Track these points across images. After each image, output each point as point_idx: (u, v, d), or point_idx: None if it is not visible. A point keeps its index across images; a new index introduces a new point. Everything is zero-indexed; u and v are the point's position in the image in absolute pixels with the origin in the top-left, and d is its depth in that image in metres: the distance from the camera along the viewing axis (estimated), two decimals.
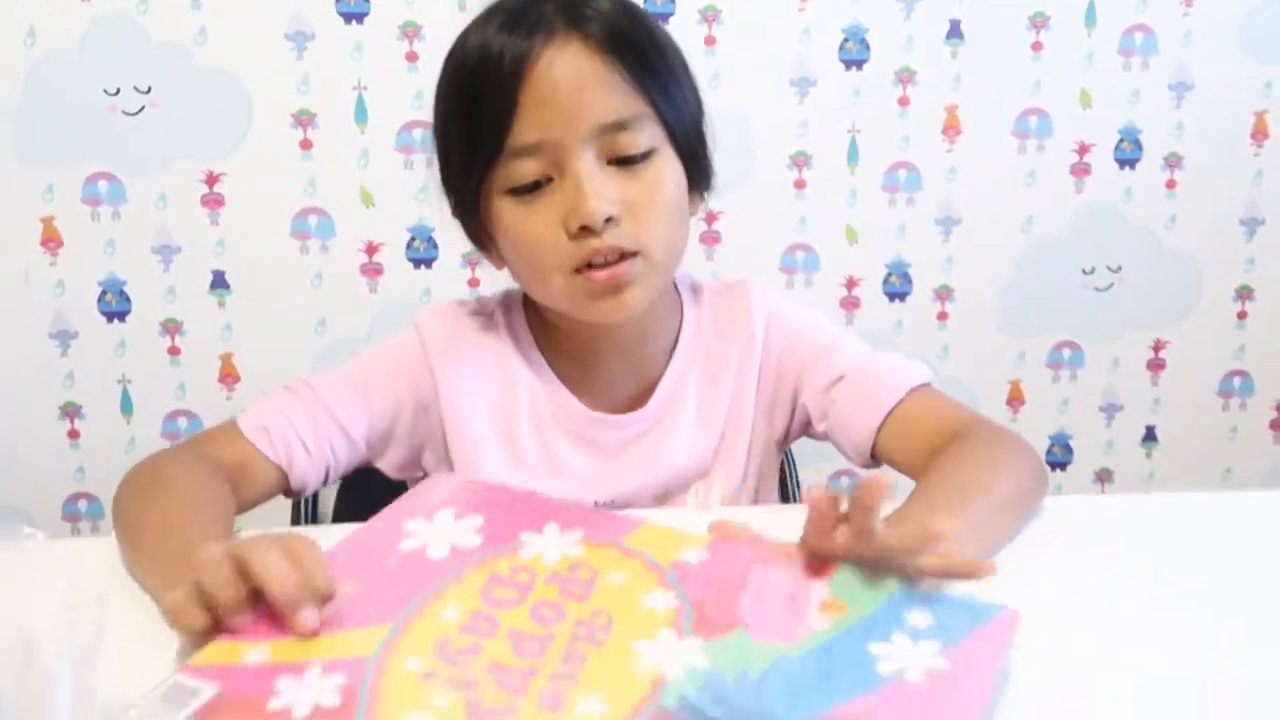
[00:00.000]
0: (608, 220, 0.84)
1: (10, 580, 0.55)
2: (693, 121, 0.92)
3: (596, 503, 0.94)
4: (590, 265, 0.86)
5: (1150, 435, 1.91)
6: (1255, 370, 1.90)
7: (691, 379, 0.98)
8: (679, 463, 0.96)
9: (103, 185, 1.65)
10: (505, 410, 0.96)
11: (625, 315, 0.89)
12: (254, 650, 0.60)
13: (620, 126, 0.85)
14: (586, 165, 0.84)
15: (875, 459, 0.94)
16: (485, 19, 0.88)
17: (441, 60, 0.91)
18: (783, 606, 0.64)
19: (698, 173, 0.93)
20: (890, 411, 0.91)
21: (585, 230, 0.84)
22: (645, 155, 0.86)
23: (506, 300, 1.01)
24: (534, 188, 0.86)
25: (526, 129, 0.83)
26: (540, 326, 0.98)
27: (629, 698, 0.56)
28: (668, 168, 0.88)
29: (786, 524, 0.70)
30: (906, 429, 0.91)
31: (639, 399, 0.97)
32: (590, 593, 0.65)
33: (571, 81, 0.83)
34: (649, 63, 0.87)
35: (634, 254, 0.86)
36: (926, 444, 0.88)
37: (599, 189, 0.84)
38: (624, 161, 0.86)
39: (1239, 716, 0.63)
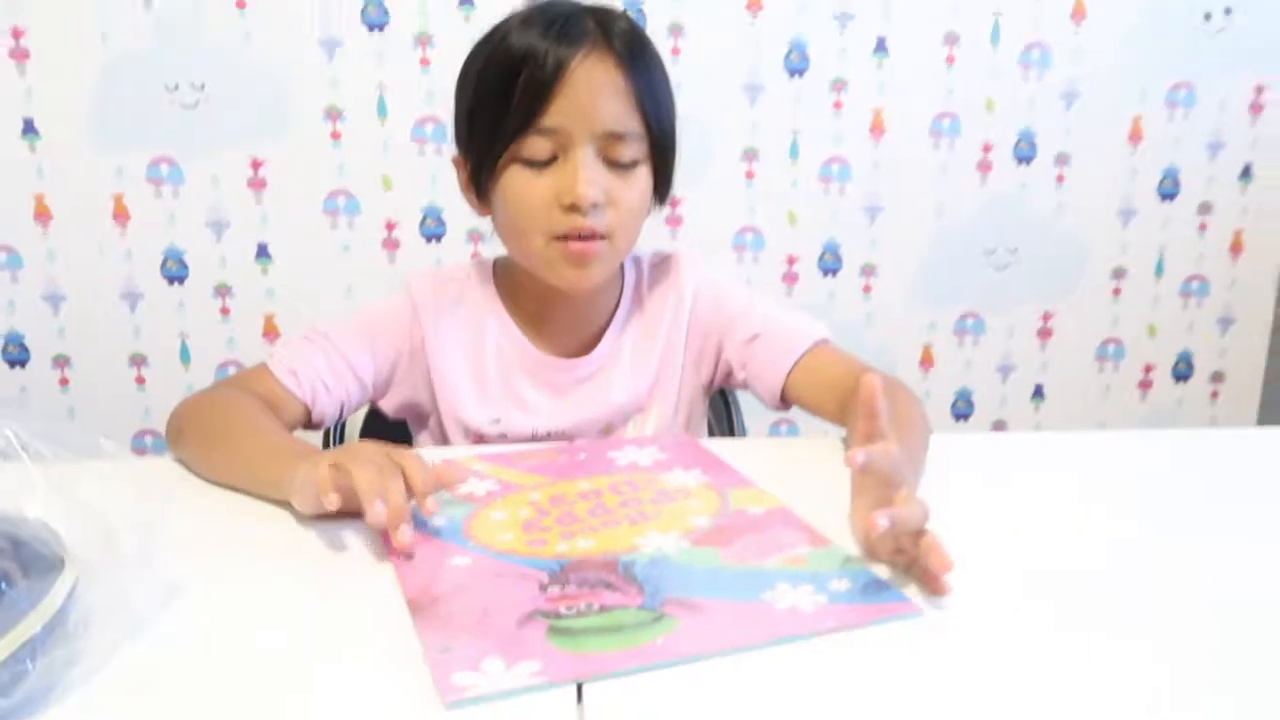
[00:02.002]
0: (593, 205, 0.85)
1: (93, 482, 0.57)
2: (670, 142, 0.92)
3: (550, 434, 0.95)
4: (567, 237, 0.86)
5: (1038, 392, 1.88)
6: (1127, 338, 1.88)
7: (630, 333, 0.98)
8: (618, 401, 0.97)
9: (164, 168, 1.60)
10: (476, 356, 0.96)
11: (584, 286, 0.91)
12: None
13: (619, 137, 0.86)
14: (587, 157, 0.85)
15: (784, 401, 0.95)
16: (525, 22, 0.87)
17: (451, 64, 0.93)
18: (762, 547, 0.66)
19: (662, 187, 0.93)
20: (797, 361, 0.93)
21: (573, 207, 0.85)
22: (631, 164, 0.88)
23: (480, 266, 1.01)
24: (542, 164, 0.86)
25: (552, 116, 0.84)
26: (506, 287, 0.98)
27: (608, 549, 0.66)
28: (644, 177, 0.90)
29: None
30: (811, 377, 0.92)
31: (585, 347, 0.97)
32: (668, 501, 0.74)
33: (597, 88, 0.85)
34: (651, 86, 0.88)
35: (604, 238, 0.87)
36: (829, 388, 0.90)
37: (592, 177, 0.85)
38: (614, 164, 0.87)
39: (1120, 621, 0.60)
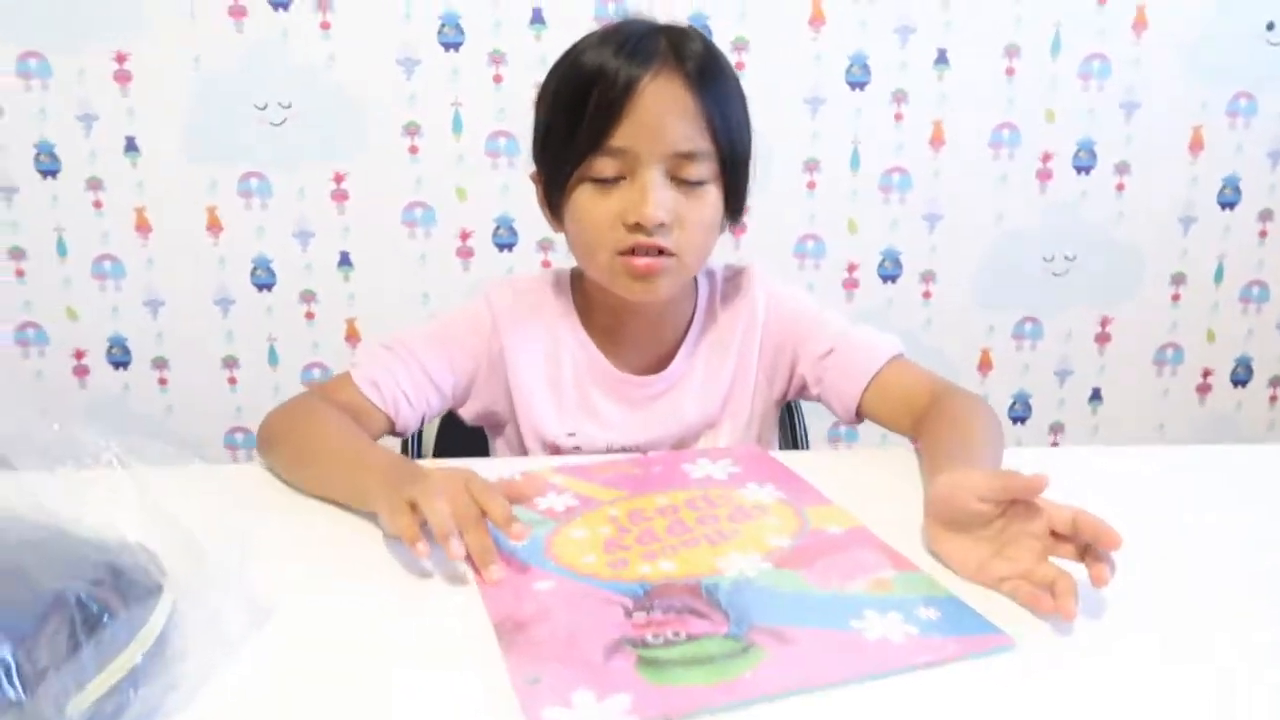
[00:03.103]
0: (659, 225, 0.81)
1: (186, 493, 0.55)
2: (743, 160, 0.87)
3: (624, 447, 0.91)
4: (633, 252, 0.83)
5: (1096, 395, 1.80)
6: (1185, 343, 1.79)
7: (702, 349, 0.94)
8: (691, 417, 0.93)
9: (254, 182, 1.60)
10: (553, 368, 0.93)
11: (651, 300, 0.87)
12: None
13: (689, 157, 0.82)
14: (655, 177, 0.81)
15: (859, 417, 0.92)
16: (601, 41, 0.83)
17: (523, 80, 0.91)
18: (846, 569, 0.62)
19: (734, 203, 0.88)
20: (872, 378, 0.89)
21: (638, 226, 0.81)
22: (699, 183, 0.83)
23: (557, 279, 0.97)
24: (610, 182, 0.82)
25: (621, 136, 0.81)
26: (582, 302, 0.94)
27: (691, 571, 0.62)
28: (713, 196, 0.85)
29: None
30: (886, 393, 0.89)
31: (660, 363, 0.94)
32: (746, 519, 0.70)
33: (666, 109, 0.80)
34: (723, 107, 0.83)
35: (671, 254, 0.83)
36: (905, 405, 0.87)
37: (659, 199, 0.81)
38: (682, 183, 0.82)
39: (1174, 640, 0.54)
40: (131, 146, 1.58)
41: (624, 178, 0.82)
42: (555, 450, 0.92)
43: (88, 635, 0.43)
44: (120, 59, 1.53)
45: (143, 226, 1.62)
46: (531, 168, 0.91)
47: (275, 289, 1.66)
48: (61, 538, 0.46)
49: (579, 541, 0.67)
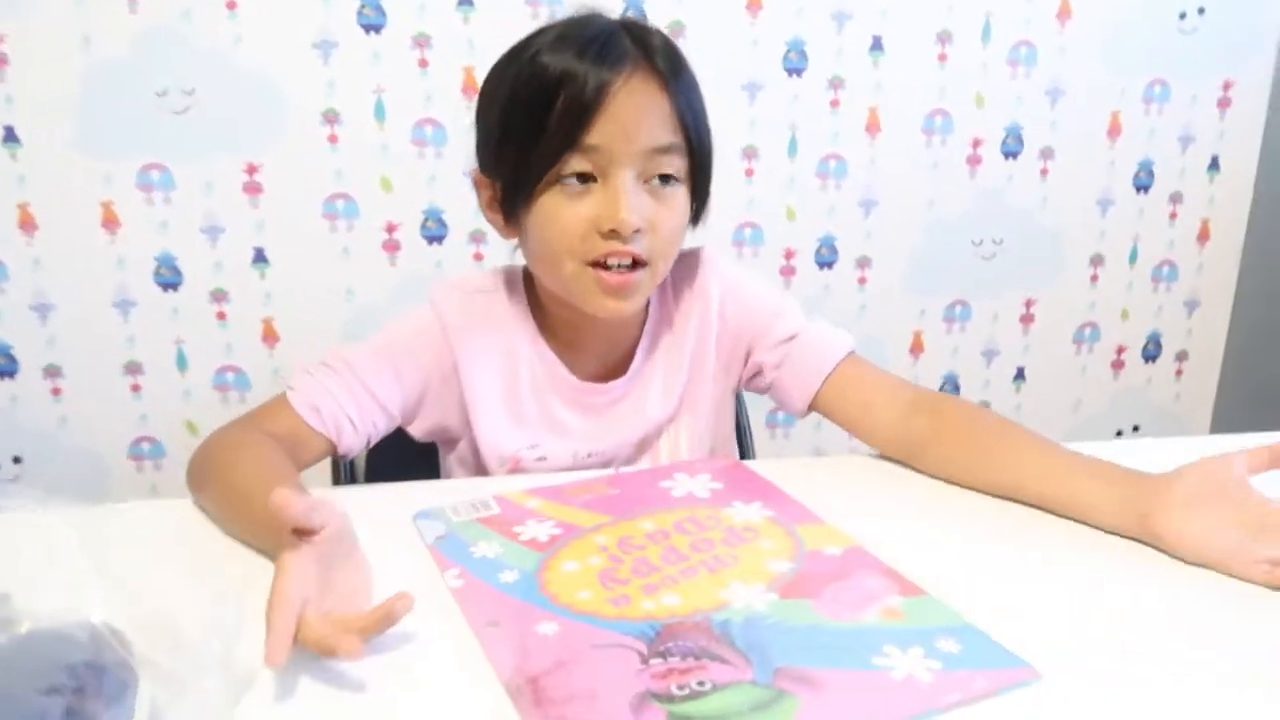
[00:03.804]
0: (635, 231, 0.78)
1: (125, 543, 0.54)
2: (709, 158, 0.85)
3: (589, 455, 0.90)
4: (602, 264, 0.79)
5: (1020, 374, 1.86)
6: (1102, 323, 1.86)
7: (660, 347, 0.92)
8: (652, 416, 0.91)
9: (155, 174, 1.49)
10: (510, 379, 0.89)
11: (621, 316, 0.84)
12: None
13: (663, 151, 0.79)
14: (628, 181, 0.78)
15: (812, 409, 0.92)
16: (559, 41, 0.79)
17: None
18: (854, 597, 0.61)
19: (697, 204, 0.86)
20: (829, 374, 0.89)
21: (613, 233, 0.78)
22: (672, 182, 0.81)
23: (509, 280, 0.92)
24: (580, 187, 0.79)
25: (594, 135, 0.77)
26: (536, 306, 0.90)
27: (697, 606, 0.60)
28: (683, 196, 0.83)
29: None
30: (842, 390, 0.89)
31: (618, 366, 0.91)
32: (739, 542, 0.68)
33: (641, 109, 0.78)
34: (691, 102, 0.81)
35: (644, 264, 0.81)
36: (862, 409, 0.87)
37: (634, 203, 0.78)
38: (661, 179, 0.80)
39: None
40: (11, 137, 1.44)
41: (595, 180, 0.78)
42: (516, 464, 0.89)
43: None
44: None
45: (27, 224, 1.49)
46: (468, 166, 0.86)
47: (182, 289, 1.55)
48: (32, 639, 0.40)
49: (572, 575, 0.64)
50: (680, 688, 0.52)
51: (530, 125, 0.78)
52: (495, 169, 0.84)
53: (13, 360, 1.55)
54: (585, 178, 0.78)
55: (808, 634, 0.57)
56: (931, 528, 0.72)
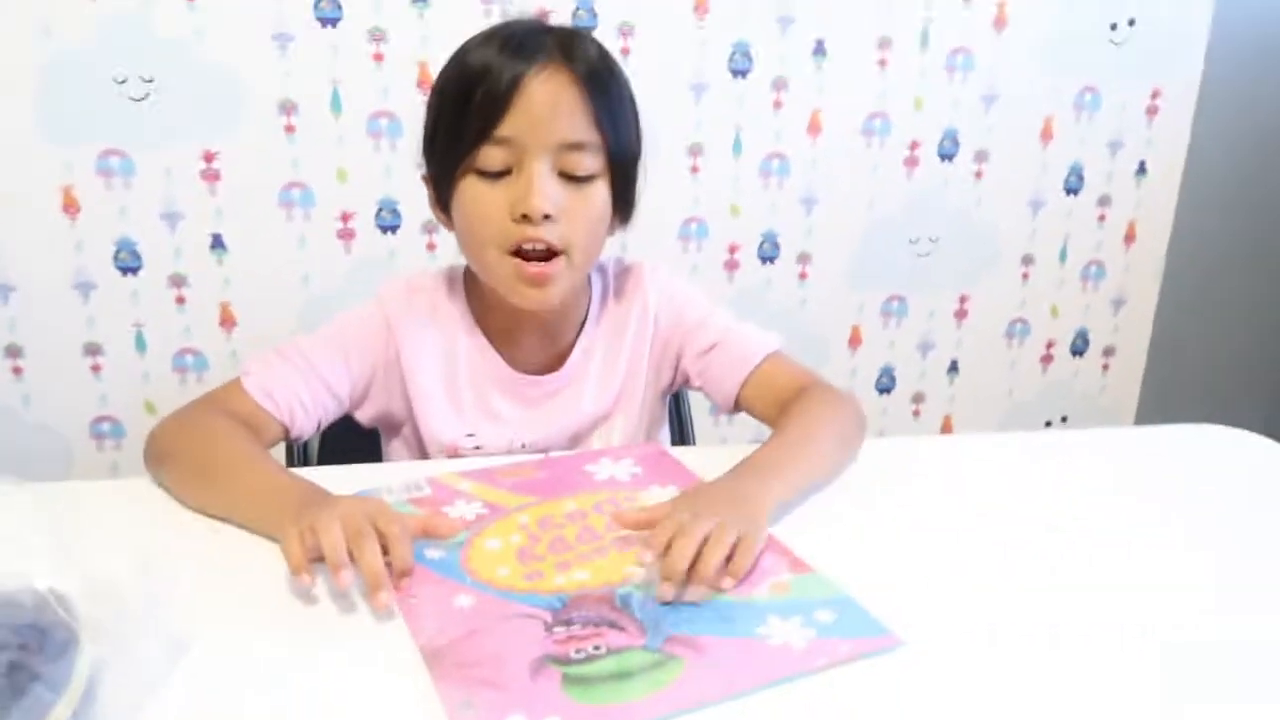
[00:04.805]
0: (546, 216, 0.81)
1: (74, 515, 0.58)
2: (631, 159, 0.88)
3: (523, 445, 0.93)
4: (521, 253, 0.83)
5: (954, 367, 1.93)
6: (1032, 318, 1.93)
7: (598, 345, 0.96)
8: (586, 411, 0.95)
9: (114, 160, 1.50)
10: (449, 370, 0.93)
11: (543, 306, 0.88)
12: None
13: (577, 147, 0.82)
14: (541, 169, 0.81)
15: (737, 408, 0.95)
16: (486, 40, 0.84)
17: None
18: (748, 574, 0.66)
19: (623, 202, 0.89)
20: (750, 373, 0.93)
21: (525, 219, 0.81)
22: (588, 178, 0.84)
23: (450, 278, 0.96)
24: (497, 175, 0.82)
25: (507, 126, 0.80)
26: (476, 301, 0.94)
27: (604, 580, 0.65)
28: (601, 191, 0.85)
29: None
30: (762, 387, 0.93)
31: (555, 361, 0.95)
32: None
33: (552, 100, 0.81)
34: (611, 104, 0.84)
35: (559, 253, 0.84)
36: (776, 399, 0.91)
37: (545, 189, 0.81)
38: (570, 178, 0.83)
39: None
40: None
41: (510, 171, 0.82)
42: (454, 452, 0.93)
43: (16, 700, 0.42)
44: None
45: None
46: (420, 160, 0.90)
47: (141, 273, 1.57)
48: None
49: (493, 553, 0.69)
50: (578, 652, 0.58)
51: (453, 119, 0.83)
52: (429, 163, 0.88)
53: None
54: (503, 173, 0.82)
55: (699, 607, 0.63)
56: (828, 509, 0.77)
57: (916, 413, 1.94)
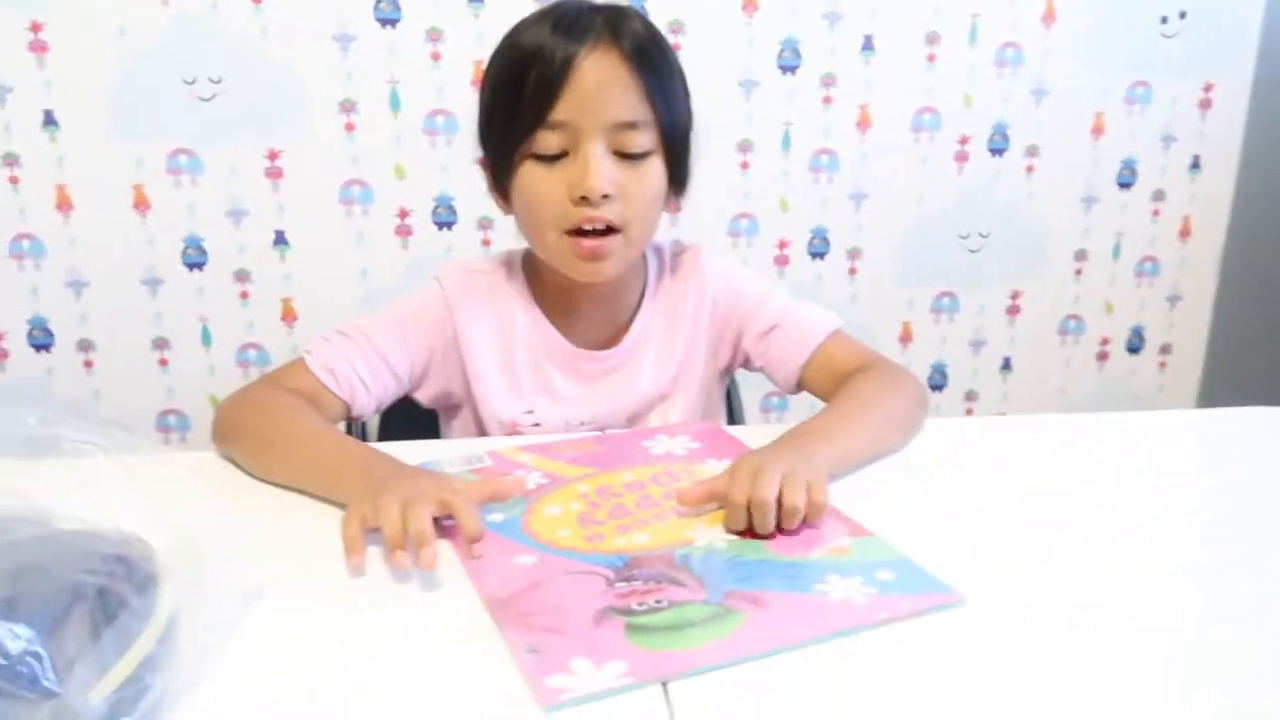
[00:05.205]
0: (604, 196, 0.82)
1: (166, 481, 0.55)
2: (683, 134, 0.89)
3: (582, 423, 0.93)
4: (580, 231, 0.84)
5: (1006, 364, 1.90)
6: (1086, 315, 1.89)
7: (655, 324, 0.96)
8: (645, 389, 0.95)
9: (183, 159, 1.55)
10: (507, 348, 0.94)
11: (599, 279, 0.88)
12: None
13: (630, 126, 0.83)
14: (597, 149, 0.82)
15: (799, 388, 0.95)
16: (539, 20, 0.85)
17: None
18: (806, 537, 0.66)
19: (677, 176, 0.90)
20: (812, 353, 0.92)
21: (584, 200, 0.82)
22: (643, 155, 0.84)
23: (508, 260, 0.98)
24: (554, 158, 0.83)
25: (561, 110, 0.81)
26: (534, 281, 0.95)
27: (662, 543, 0.66)
28: (656, 167, 0.86)
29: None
30: (824, 366, 0.92)
31: (613, 338, 0.95)
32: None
33: (603, 82, 0.82)
34: (662, 80, 0.85)
35: (617, 230, 0.84)
36: (838, 378, 0.90)
37: (601, 170, 0.82)
38: (625, 156, 0.84)
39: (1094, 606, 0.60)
40: (50, 120, 1.51)
41: (567, 154, 0.83)
42: (513, 430, 0.94)
43: (106, 624, 0.43)
44: (35, 29, 1.46)
45: (64, 204, 1.55)
46: (477, 153, 0.91)
47: (207, 269, 1.61)
48: (65, 532, 0.46)
49: (553, 518, 0.70)
50: (640, 604, 0.58)
51: (507, 102, 0.84)
52: (485, 148, 0.90)
53: (49, 334, 1.61)
54: (559, 156, 0.83)
55: (758, 565, 0.63)
56: (886, 478, 0.77)
57: (969, 411, 1.91)
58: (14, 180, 1.53)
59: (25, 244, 1.56)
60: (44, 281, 1.58)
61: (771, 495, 0.65)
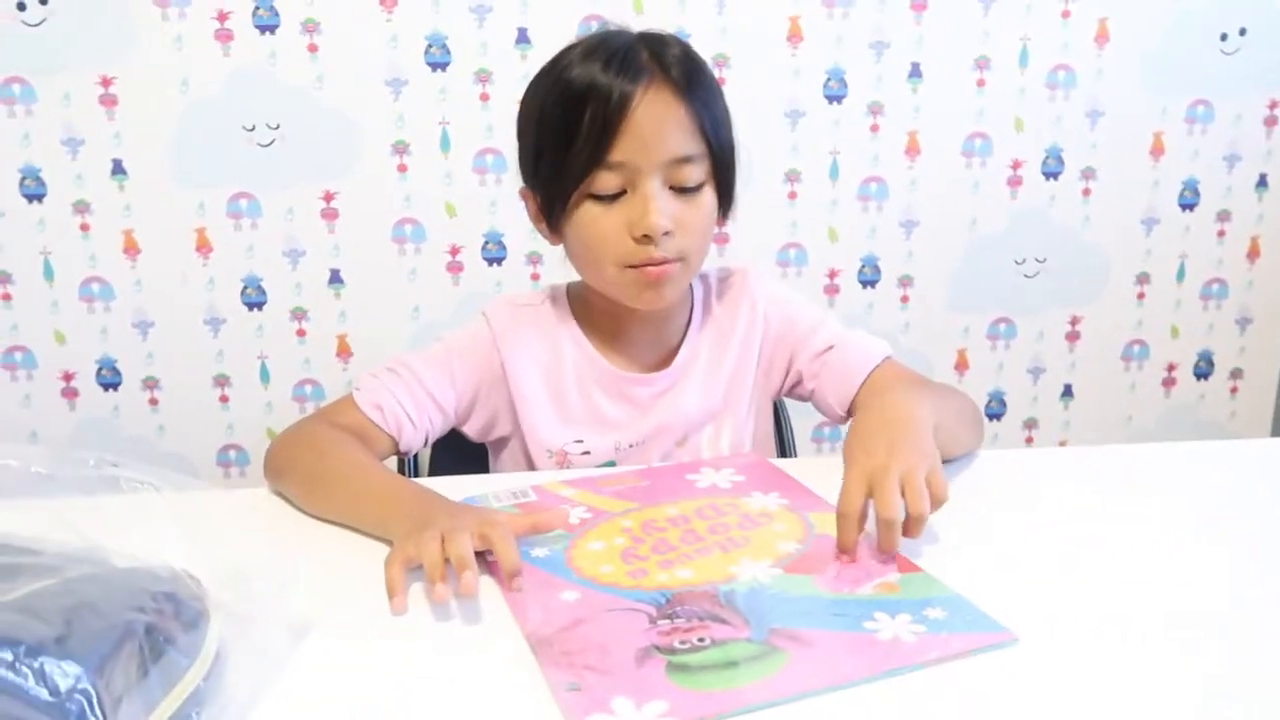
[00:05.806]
0: (665, 234, 0.83)
1: (217, 518, 0.59)
2: (730, 156, 0.89)
3: (631, 445, 0.93)
4: (640, 264, 0.85)
5: (1067, 391, 1.85)
6: (1150, 339, 1.84)
7: (703, 347, 0.96)
8: (692, 413, 0.94)
9: (243, 202, 1.60)
10: (555, 377, 0.94)
11: (661, 306, 0.89)
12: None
13: (686, 160, 0.84)
14: (655, 187, 0.83)
15: (849, 415, 0.93)
16: (585, 56, 0.84)
17: (509, 99, 0.92)
18: (854, 574, 0.65)
19: (724, 201, 0.91)
20: (867, 378, 0.91)
21: (646, 238, 0.83)
22: (697, 187, 0.85)
23: (553, 293, 0.99)
24: (613, 198, 0.84)
25: (619, 151, 0.82)
26: (580, 309, 0.96)
27: (706, 578, 0.65)
28: (709, 197, 0.87)
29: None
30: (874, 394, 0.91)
31: (662, 362, 0.95)
32: (753, 526, 0.73)
33: (659, 120, 0.82)
34: (711, 108, 0.85)
35: (677, 260, 0.85)
36: None
37: (661, 207, 0.83)
38: (680, 190, 0.84)
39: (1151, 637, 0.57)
40: (119, 169, 1.57)
41: (625, 191, 0.84)
42: (563, 459, 0.94)
43: (154, 662, 0.44)
44: (106, 83, 1.53)
45: (131, 248, 1.61)
46: (518, 184, 0.92)
47: (266, 307, 1.66)
48: (118, 570, 0.48)
49: (596, 553, 0.69)
50: (682, 643, 0.57)
51: (561, 139, 0.84)
52: (535, 182, 0.90)
53: (117, 373, 1.67)
54: (617, 195, 0.84)
55: (804, 602, 0.61)
56: (940, 516, 0.75)
57: (1029, 439, 1.86)
58: (84, 227, 1.59)
59: (95, 287, 1.63)
60: (112, 323, 1.65)
61: (899, 514, 0.64)
